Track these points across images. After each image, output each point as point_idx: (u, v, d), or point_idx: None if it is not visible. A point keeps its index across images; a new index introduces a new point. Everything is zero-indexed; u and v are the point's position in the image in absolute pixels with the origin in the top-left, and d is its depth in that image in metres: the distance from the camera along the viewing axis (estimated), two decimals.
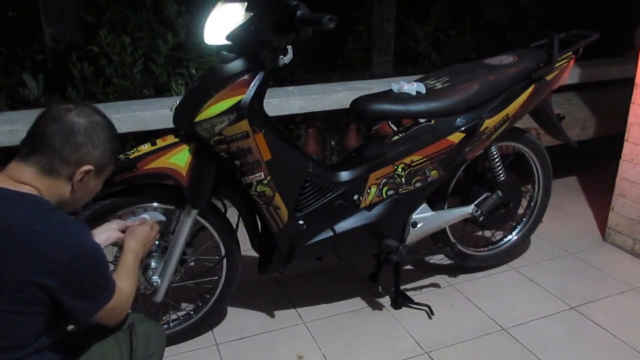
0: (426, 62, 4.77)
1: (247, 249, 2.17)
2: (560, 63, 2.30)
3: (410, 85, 2.12)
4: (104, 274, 1.30)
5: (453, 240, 2.42)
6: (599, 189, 3.31)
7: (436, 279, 2.51)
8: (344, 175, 2.07)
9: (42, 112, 1.32)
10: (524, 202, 2.61)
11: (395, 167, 2.10)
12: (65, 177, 1.29)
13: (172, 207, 1.92)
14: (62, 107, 1.32)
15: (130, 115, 2.53)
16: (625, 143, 2.68)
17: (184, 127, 1.82)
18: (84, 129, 1.29)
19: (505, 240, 2.62)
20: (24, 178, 1.25)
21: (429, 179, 2.16)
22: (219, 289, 2.09)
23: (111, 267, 1.90)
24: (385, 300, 2.34)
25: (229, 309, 2.27)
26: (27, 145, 1.29)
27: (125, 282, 1.42)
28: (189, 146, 1.83)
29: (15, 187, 1.23)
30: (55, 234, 1.20)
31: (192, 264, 2.04)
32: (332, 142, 3.42)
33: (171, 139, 1.85)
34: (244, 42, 1.73)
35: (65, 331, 1.40)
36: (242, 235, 2.07)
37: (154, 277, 1.89)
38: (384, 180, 2.10)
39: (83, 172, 1.30)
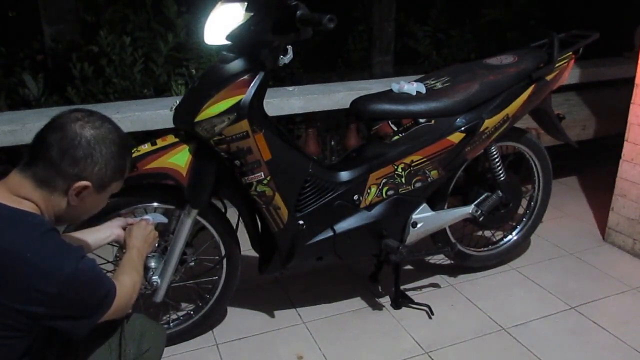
0: (426, 62, 4.77)
1: (247, 249, 2.17)
2: (560, 63, 2.30)
3: (410, 85, 2.12)
4: (100, 291, 1.24)
5: (453, 240, 2.41)
6: (599, 189, 3.31)
7: (436, 279, 2.51)
8: (344, 175, 2.07)
9: (52, 118, 1.26)
10: (524, 202, 2.61)
11: (395, 167, 2.10)
12: (61, 191, 1.23)
13: (172, 207, 1.92)
14: (70, 116, 1.25)
15: (130, 115, 2.54)
16: (625, 143, 2.68)
17: (184, 127, 1.82)
18: (86, 142, 1.22)
19: (506, 240, 2.61)
20: (23, 192, 1.20)
21: (429, 179, 2.15)
22: (219, 289, 2.09)
23: (111, 267, 1.91)
24: (385, 300, 2.34)
25: (229, 309, 2.27)
26: (28, 153, 1.23)
27: (127, 277, 1.38)
28: (189, 146, 1.83)
29: (15, 204, 1.18)
30: (45, 263, 1.14)
31: (192, 264, 2.04)
32: (332, 142, 3.43)
33: (171, 139, 1.85)
34: (244, 42, 1.73)
35: (53, 347, 1.33)
36: (242, 235, 2.07)
37: (154, 277, 1.89)
38: (384, 180, 2.10)
39: (79, 188, 1.23)
